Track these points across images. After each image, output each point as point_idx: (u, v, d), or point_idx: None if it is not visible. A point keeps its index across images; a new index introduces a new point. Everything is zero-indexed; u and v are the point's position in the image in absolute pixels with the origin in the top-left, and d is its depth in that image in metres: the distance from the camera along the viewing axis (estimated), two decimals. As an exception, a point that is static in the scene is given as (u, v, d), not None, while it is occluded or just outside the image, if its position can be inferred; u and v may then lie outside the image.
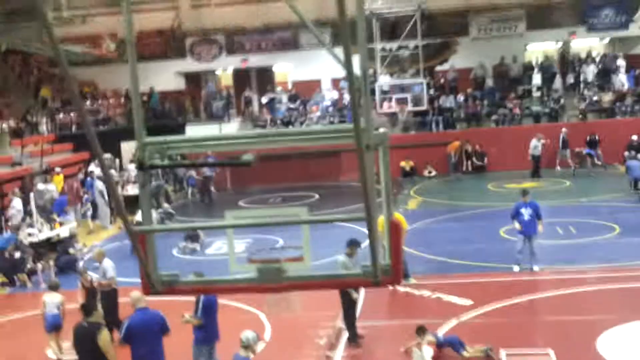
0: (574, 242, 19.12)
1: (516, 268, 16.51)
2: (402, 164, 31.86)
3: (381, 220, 5.15)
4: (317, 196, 28.55)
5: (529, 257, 16.53)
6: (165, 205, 25.95)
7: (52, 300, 12.91)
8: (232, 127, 35.06)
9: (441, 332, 12.73)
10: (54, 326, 12.84)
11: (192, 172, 30.52)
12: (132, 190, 26.52)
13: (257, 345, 9.05)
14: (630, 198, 24.06)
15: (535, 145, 29.84)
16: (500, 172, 30.79)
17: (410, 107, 31.67)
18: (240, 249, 17.76)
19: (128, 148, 30.53)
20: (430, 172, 31.98)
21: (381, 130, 5.19)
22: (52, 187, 24.97)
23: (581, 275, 16.01)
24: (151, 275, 5.26)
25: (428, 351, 11.50)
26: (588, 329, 12.63)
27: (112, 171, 29.37)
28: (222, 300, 14.77)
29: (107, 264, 13.71)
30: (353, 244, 13.10)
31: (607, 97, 33.13)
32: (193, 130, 33.25)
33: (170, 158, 5.19)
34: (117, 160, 30.57)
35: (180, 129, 33.61)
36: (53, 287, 13.30)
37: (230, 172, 32.21)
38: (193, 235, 21.02)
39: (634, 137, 29.39)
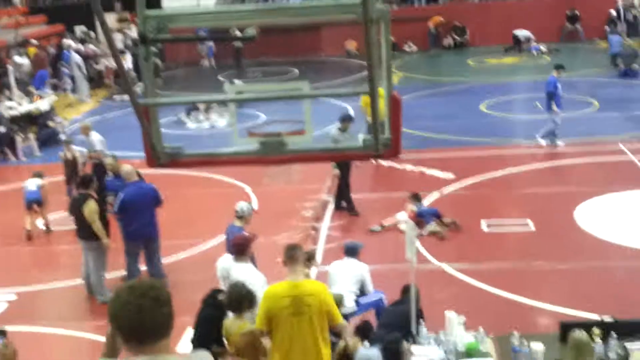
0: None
1: (560, 142, 16.56)
2: (382, 38, 31.51)
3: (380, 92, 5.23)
4: (296, 71, 28.35)
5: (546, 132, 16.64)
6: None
7: (33, 181, 13.14)
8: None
9: (425, 203, 13.06)
10: (31, 202, 13.05)
11: (211, 43, 29.90)
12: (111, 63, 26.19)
13: (251, 217, 9.26)
14: (610, 73, 24.20)
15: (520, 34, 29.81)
16: (482, 47, 30.62)
17: (392, -20, 31.04)
18: (223, 124, 17.88)
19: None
20: (410, 47, 31.73)
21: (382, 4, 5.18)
22: (28, 61, 24.57)
23: (559, 148, 16.31)
24: (156, 147, 5.33)
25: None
26: (566, 200, 13.03)
27: (91, 46, 28.85)
28: (208, 174, 15.08)
29: (95, 137, 13.75)
30: (346, 119, 13.20)
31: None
32: (169, 3, 32.35)
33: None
34: (93, 33, 29.95)
35: (156, 2, 32.69)
36: (37, 175, 13.41)
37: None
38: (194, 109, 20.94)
39: (613, 12, 29.22)
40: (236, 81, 20.32)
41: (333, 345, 6.72)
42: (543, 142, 16.55)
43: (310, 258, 8.24)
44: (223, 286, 7.72)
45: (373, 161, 14.99)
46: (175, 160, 5.47)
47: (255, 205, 13.80)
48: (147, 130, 5.22)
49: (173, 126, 19.96)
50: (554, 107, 16.34)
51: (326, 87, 21.63)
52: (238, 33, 5.23)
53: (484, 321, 7.70)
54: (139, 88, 22.59)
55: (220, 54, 31.25)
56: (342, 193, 13.30)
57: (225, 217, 10.39)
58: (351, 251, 8.93)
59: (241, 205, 9.17)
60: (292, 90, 5.52)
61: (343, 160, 12.55)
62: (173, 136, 19.11)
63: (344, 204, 13.34)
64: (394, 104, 5.41)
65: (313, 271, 9.26)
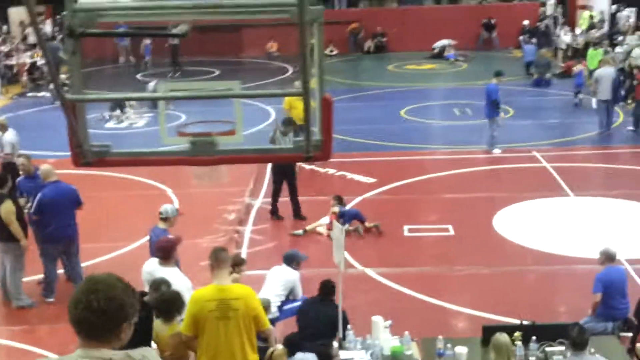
0: (470, 123, 19.77)
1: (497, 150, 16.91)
2: (304, 41, 31.58)
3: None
4: (217, 72, 28.10)
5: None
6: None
7: None
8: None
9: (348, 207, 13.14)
10: None
11: (149, 41, 29.10)
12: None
13: (176, 219, 9.09)
14: (524, 81, 24.92)
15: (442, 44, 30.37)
16: (402, 52, 31.05)
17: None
18: (141, 124, 17.45)
19: (17, 14, 28.86)
20: (331, 51, 31.89)
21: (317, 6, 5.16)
22: None
23: (477, 155, 16.68)
24: (82, 145, 5.17)
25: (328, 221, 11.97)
26: (485, 206, 13.32)
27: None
28: (129, 176, 14.74)
29: (9, 136, 13.24)
30: (287, 123, 13.04)
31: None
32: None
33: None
34: (5, 27, 28.93)
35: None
36: None
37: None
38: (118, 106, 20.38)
39: (526, 22, 30.14)
40: (163, 80, 19.94)
41: (261, 350, 6.65)
42: (495, 150, 16.87)
43: (239, 263, 8.15)
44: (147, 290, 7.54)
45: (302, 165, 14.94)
46: (102, 159, 5.31)
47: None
48: (74, 127, 5.05)
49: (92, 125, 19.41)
50: (502, 115, 16.89)
51: (247, 88, 21.47)
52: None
53: (408, 325, 7.78)
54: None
55: (137, 52, 30.59)
56: (292, 197, 13.06)
57: (146, 219, 10.19)
58: (287, 259, 8.88)
59: (166, 207, 9.00)
60: (224, 90, 5.44)
61: (288, 166, 12.70)
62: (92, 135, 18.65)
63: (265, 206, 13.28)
64: (326, 106, 5.38)
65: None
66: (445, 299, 9.93)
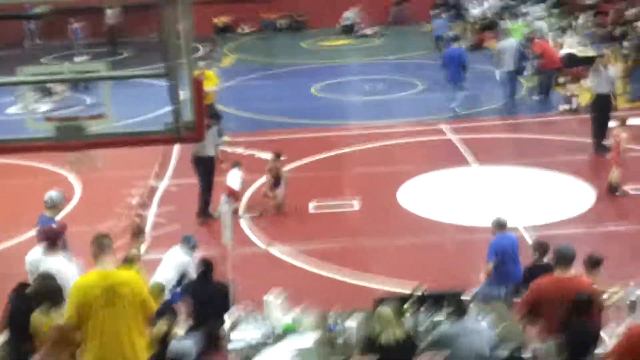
0: (381, 98, 19.92)
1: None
2: (215, 20, 31.17)
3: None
4: (125, 54, 27.51)
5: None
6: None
7: None
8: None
9: (252, 188, 13.09)
10: None
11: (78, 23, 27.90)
12: None
13: (63, 205, 8.87)
14: (434, 55, 25.17)
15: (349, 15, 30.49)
16: (315, 29, 30.94)
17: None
18: (44, 109, 16.85)
19: None
20: (243, 29, 31.58)
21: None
22: None
23: (386, 129, 16.81)
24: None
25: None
26: (391, 180, 13.45)
27: None
28: (29, 162, 14.33)
29: None
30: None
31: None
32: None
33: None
34: None
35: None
36: None
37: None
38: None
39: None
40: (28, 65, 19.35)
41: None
42: (458, 110, 17.64)
43: (140, 231, 8.02)
44: (31, 280, 7.34)
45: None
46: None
47: (78, 192, 13.29)
48: None
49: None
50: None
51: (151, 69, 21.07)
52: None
53: (311, 300, 7.77)
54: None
55: (46, 34, 29.67)
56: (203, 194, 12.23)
57: (41, 207, 9.91)
58: (183, 242, 8.79)
59: (50, 194, 8.75)
60: (89, 72, 5.31)
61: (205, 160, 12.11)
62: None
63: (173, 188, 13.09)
64: (196, 87, 5.32)
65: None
66: (349, 273, 10.01)
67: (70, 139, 5.21)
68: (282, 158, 12.80)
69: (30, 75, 5.34)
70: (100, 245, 6.21)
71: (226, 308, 7.33)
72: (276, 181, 12.52)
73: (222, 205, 7.94)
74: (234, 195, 11.83)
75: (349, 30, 30.49)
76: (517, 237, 9.15)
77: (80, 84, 18.74)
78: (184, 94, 5.11)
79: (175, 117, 5.19)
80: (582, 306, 6.28)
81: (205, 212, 12.07)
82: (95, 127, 5.25)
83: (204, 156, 12.01)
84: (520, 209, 11.84)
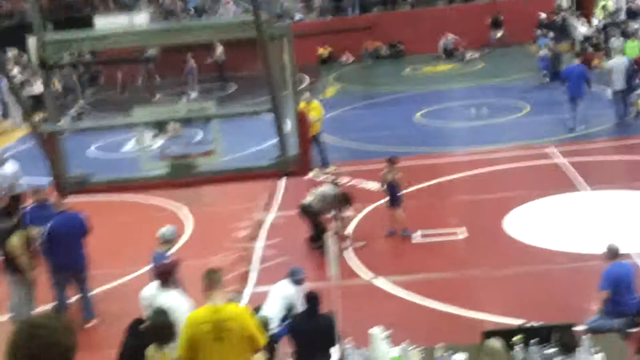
0: (485, 122, 19.67)
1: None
2: (320, 51, 31.67)
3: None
4: (235, 87, 28.30)
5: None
6: (81, 101, 25.33)
7: None
8: (142, 17, 33.83)
9: (357, 218, 13.17)
10: None
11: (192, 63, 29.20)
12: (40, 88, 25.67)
13: (175, 240, 9.18)
14: (539, 77, 24.63)
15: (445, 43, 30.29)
16: (416, 55, 30.92)
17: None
18: (157, 146, 17.40)
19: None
20: (347, 59, 31.92)
21: (285, 22, 5.23)
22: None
23: (492, 155, 16.54)
24: (60, 177, 5.28)
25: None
26: (497, 207, 13.20)
27: (16, 68, 28.31)
28: (138, 199, 14.90)
29: (10, 167, 13.47)
30: None
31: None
32: (101, 22, 31.92)
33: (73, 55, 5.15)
34: (25, 56, 29.42)
35: (88, 21, 32.22)
36: None
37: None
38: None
39: (542, 15, 29.77)
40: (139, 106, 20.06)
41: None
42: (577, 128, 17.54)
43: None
44: (146, 316, 7.61)
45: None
46: (82, 188, 5.41)
47: (188, 228, 13.69)
48: (50, 159, 5.16)
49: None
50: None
51: (260, 102, 21.56)
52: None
53: (413, 335, 7.73)
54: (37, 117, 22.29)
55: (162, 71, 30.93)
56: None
57: (154, 243, 10.27)
58: (290, 275, 8.89)
59: (162, 230, 9.06)
60: (198, 110, 5.51)
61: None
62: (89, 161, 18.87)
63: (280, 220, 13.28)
64: (302, 121, 5.43)
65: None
66: (456, 305, 9.86)
67: (181, 176, 5.41)
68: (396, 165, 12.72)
69: (145, 115, 5.59)
70: (211, 280, 6.41)
71: (332, 342, 7.37)
72: (392, 197, 12.43)
73: (327, 239, 8.01)
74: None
75: (449, 55, 30.35)
76: (631, 266, 8.81)
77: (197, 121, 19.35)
78: (289, 127, 5.23)
79: (281, 151, 5.31)
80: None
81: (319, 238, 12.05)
82: (205, 164, 5.43)
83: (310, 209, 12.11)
84: (633, 235, 11.36)
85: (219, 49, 29.59)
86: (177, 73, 29.48)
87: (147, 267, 11.40)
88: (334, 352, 7.26)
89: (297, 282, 8.75)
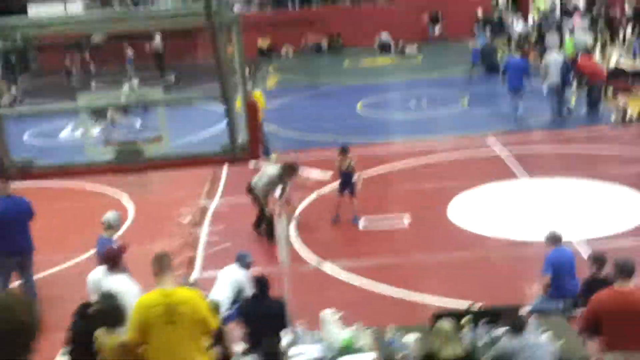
0: (426, 114, 19.92)
1: None
2: (259, 42, 31.56)
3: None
4: (173, 77, 27.95)
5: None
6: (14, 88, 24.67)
7: None
8: (76, 5, 33.12)
9: (301, 205, 13.17)
10: None
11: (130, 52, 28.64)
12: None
13: (119, 226, 9.04)
14: (477, 71, 25.08)
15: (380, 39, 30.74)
16: (356, 48, 31.11)
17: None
18: (97, 133, 17.09)
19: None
20: (287, 51, 31.89)
21: (234, 11, 5.21)
22: None
23: (433, 145, 16.77)
24: (5, 161, 5.15)
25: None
26: (440, 195, 13.39)
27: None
28: (80, 185, 14.63)
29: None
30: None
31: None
32: (35, 10, 31.14)
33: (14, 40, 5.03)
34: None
35: (22, 9, 31.37)
36: None
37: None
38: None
39: (479, 12, 30.29)
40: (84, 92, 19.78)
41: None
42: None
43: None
44: (93, 300, 7.47)
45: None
46: (26, 172, 5.29)
47: (130, 214, 13.49)
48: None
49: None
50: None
51: (200, 91, 21.38)
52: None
53: (363, 317, 7.78)
54: None
55: (99, 61, 30.39)
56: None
57: (97, 229, 10.10)
58: (238, 259, 8.86)
59: (107, 216, 8.91)
60: (145, 96, 5.44)
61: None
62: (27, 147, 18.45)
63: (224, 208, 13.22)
64: (250, 109, 5.42)
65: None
66: (402, 288, 9.97)
67: (128, 162, 5.33)
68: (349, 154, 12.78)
69: (89, 101, 5.48)
70: (161, 264, 6.31)
71: (283, 326, 7.36)
72: (347, 184, 12.50)
73: (278, 224, 7.97)
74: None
75: (386, 48, 30.71)
76: (572, 251, 9.05)
77: (136, 108, 19.20)
78: (239, 114, 5.20)
79: (231, 138, 5.29)
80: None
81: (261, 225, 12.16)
82: (152, 150, 5.35)
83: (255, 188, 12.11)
84: (572, 222, 11.68)
85: (157, 38, 29.19)
86: (114, 62, 29.06)
87: (89, 253, 11.25)
88: (285, 335, 7.24)
89: (246, 265, 8.73)
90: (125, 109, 20.43)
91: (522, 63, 18.52)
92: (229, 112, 5.06)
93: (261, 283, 7.79)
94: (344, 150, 12.77)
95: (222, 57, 4.79)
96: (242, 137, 5.50)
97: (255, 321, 7.50)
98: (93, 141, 5.21)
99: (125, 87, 21.23)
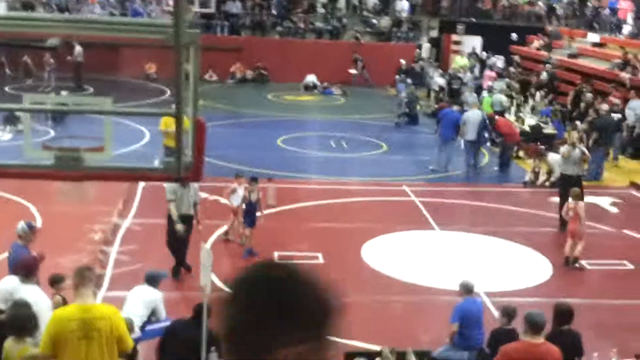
0: (345, 155, 20.22)
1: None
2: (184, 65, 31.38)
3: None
4: (91, 89, 27.44)
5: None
6: None
7: None
8: (1, 6, 32.26)
9: (216, 234, 13.13)
10: None
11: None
12: None
13: (32, 235, 8.79)
14: (396, 119, 25.65)
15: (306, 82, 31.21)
16: (281, 83, 31.35)
17: (196, 8, 31.05)
18: (6, 138, 16.65)
19: None
20: (211, 77, 31.82)
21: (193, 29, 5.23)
22: None
23: (350, 187, 17.04)
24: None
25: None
26: (354, 236, 13.59)
27: None
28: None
29: None
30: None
31: (385, 22, 34.79)
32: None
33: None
34: None
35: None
36: None
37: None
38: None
39: (403, 62, 31.08)
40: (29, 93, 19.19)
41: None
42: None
43: (58, 281, 7.86)
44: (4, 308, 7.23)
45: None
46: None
47: (38, 224, 13.08)
48: None
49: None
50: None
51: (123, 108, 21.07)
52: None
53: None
54: None
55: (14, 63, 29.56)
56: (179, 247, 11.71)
57: (3, 236, 9.81)
58: (150, 279, 8.74)
59: (22, 224, 8.67)
60: (94, 105, 5.38)
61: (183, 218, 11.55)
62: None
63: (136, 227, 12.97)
64: (199, 129, 5.42)
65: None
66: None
67: (67, 168, 5.24)
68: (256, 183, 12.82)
69: (34, 104, 5.38)
70: (82, 278, 6.20)
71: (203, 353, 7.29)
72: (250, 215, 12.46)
73: (203, 248, 7.92)
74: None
75: (311, 88, 31.15)
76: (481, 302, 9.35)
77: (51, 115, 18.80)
78: (185, 134, 5.20)
79: (177, 156, 5.28)
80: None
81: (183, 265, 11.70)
82: (92, 159, 5.29)
83: (182, 214, 11.64)
84: (479, 275, 12.04)
85: (77, 49, 28.55)
86: (27, 68, 28.35)
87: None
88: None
89: (158, 285, 8.61)
90: (54, 117, 20.00)
91: (456, 115, 19.06)
92: (179, 130, 5.07)
93: (199, 309, 7.67)
94: (253, 180, 12.82)
95: (181, 74, 4.83)
96: (187, 157, 5.48)
97: (183, 344, 7.40)
98: (30, 144, 5.13)
99: (64, 93, 20.78)
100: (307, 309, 1.69)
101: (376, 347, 8.67)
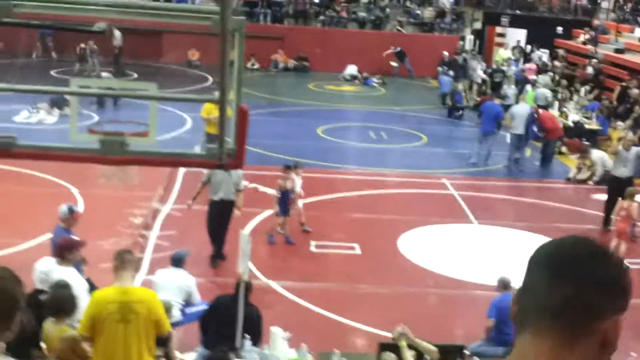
0: (385, 147, 20.15)
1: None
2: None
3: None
4: (135, 75, 27.72)
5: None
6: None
7: None
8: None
9: (254, 221, 13.20)
10: None
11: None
12: None
13: (73, 219, 8.92)
14: (439, 111, 25.53)
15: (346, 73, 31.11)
16: (322, 72, 31.34)
17: (240, -4, 31.19)
18: (52, 121, 16.90)
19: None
20: (253, 65, 31.91)
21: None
22: None
23: (388, 178, 16.99)
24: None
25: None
26: (391, 228, 13.56)
27: None
28: (34, 172, 14.37)
29: None
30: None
31: (428, 13, 34.56)
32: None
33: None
34: None
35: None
36: None
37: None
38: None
39: (445, 53, 30.86)
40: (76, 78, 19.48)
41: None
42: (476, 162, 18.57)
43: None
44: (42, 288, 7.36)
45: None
46: (6, 150, 5.21)
47: (81, 208, 13.28)
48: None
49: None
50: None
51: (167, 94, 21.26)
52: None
53: (307, 339, 7.83)
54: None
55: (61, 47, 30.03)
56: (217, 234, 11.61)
57: (47, 218, 9.96)
58: (177, 261, 8.83)
59: (64, 208, 8.81)
60: (139, 90, 5.42)
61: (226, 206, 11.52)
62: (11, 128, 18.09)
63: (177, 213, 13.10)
64: (241, 116, 5.45)
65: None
66: (346, 315, 10.05)
67: (112, 153, 5.30)
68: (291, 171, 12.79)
69: (81, 87, 5.46)
70: (122, 261, 6.29)
71: (252, 331, 7.33)
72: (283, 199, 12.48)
73: (242, 234, 7.94)
74: None
75: (352, 79, 31.06)
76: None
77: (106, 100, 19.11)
78: (230, 121, 5.23)
79: (220, 143, 5.31)
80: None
81: (219, 256, 11.65)
82: (137, 144, 5.35)
83: (221, 200, 11.56)
84: (516, 271, 11.92)
85: (117, 34, 28.78)
86: (72, 53, 28.73)
87: (36, 241, 11.08)
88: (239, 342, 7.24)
89: (182, 264, 8.69)
90: (99, 101, 20.32)
91: (498, 108, 18.86)
92: (222, 117, 5.11)
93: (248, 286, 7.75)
94: (288, 168, 12.83)
95: (226, 61, 4.84)
96: (230, 144, 5.54)
97: (227, 320, 7.46)
98: (79, 129, 5.20)
99: (105, 75, 21.07)
100: (623, 281, 1.86)
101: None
